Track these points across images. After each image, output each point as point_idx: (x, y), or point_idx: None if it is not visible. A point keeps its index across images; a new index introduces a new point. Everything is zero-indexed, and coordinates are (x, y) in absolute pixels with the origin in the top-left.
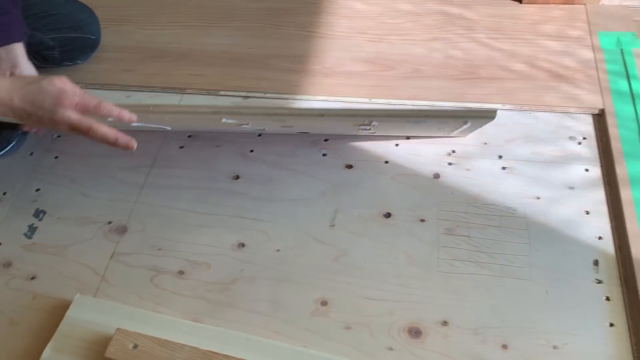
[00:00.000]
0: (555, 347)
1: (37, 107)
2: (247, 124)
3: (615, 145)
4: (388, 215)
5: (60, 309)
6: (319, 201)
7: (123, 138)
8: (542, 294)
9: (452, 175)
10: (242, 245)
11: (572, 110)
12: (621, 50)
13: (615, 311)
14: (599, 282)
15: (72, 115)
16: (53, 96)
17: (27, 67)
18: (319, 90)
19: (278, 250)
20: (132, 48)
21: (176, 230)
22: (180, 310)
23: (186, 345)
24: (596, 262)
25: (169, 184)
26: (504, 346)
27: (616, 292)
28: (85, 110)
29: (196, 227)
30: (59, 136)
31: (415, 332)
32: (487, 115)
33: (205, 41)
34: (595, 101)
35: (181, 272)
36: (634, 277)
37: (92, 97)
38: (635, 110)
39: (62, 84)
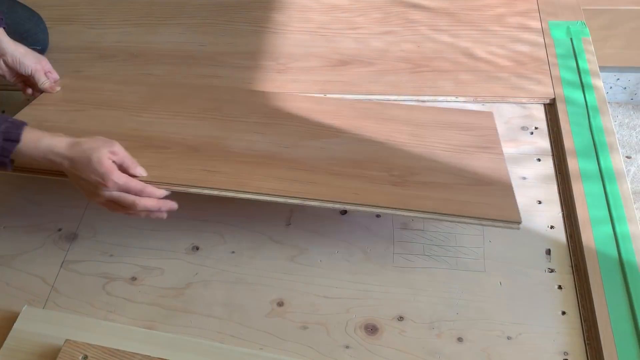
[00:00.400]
0: (509, 338)
1: (83, 179)
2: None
3: (566, 134)
4: (344, 212)
5: (7, 322)
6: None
7: (166, 205)
8: (496, 285)
9: None
10: (196, 248)
11: (524, 100)
12: (571, 39)
13: (567, 299)
14: (551, 271)
15: (113, 194)
16: (98, 174)
17: (14, 50)
18: (273, 87)
19: (233, 252)
20: (80, 48)
21: (128, 235)
22: (133, 317)
23: (137, 354)
24: (548, 252)
25: None
26: (459, 339)
27: (568, 280)
28: (127, 192)
29: (149, 231)
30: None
31: (371, 329)
32: (509, 227)
33: (156, 39)
34: (546, 91)
35: (134, 279)
36: (584, 265)
37: (136, 182)
38: (585, 99)
39: (108, 166)
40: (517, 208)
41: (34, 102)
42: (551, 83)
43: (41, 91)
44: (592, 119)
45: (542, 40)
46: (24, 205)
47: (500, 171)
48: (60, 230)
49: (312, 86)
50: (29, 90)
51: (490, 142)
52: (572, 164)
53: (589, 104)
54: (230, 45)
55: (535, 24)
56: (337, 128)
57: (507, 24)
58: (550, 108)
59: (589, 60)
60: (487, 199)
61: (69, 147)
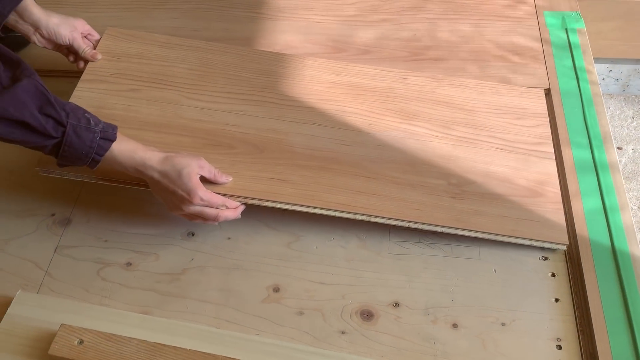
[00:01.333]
0: (503, 324)
1: (169, 192)
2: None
3: (560, 124)
4: None
5: (1, 307)
6: None
7: (240, 210)
8: (490, 272)
9: None
10: (192, 234)
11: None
12: (566, 29)
13: (561, 287)
14: (545, 258)
15: (197, 208)
16: (185, 190)
17: (47, 21)
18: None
19: (229, 238)
20: None
21: (122, 221)
22: (128, 302)
23: (134, 339)
24: None
25: None
26: (454, 325)
27: (561, 268)
28: (209, 206)
29: (143, 217)
30: None
31: (367, 315)
32: (555, 247)
33: (149, 24)
34: (541, 81)
35: (129, 264)
36: (577, 253)
37: (218, 197)
38: (579, 89)
39: (195, 183)
40: (565, 228)
41: (82, 78)
42: (546, 74)
43: (85, 59)
44: (586, 110)
45: (537, 30)
46: (16, 190)
47: (550, 177)
48: (53, 215)
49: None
50: (71, 58)
51: (542, 137)
52: (566, 154)
53: (582, 93)
54: (226, 31)
55: (531, 14)
56: (392, 117)
57: (502, 14)
58: (546, 97)
59: (584, 51)
60: (539, 215)
61: (161, 161)
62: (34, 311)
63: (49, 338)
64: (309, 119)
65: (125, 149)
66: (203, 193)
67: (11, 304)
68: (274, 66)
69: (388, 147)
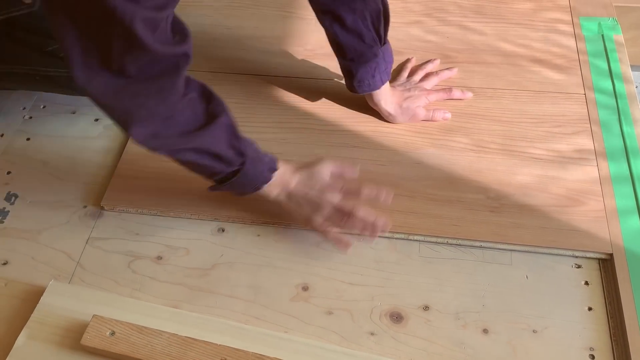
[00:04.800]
0: (535, 331)
1: (308, 189)
2: None
3: (596, 133)
4: None
5: (33, 295)
6: None
7: (380, 220)
8: (522, 278)
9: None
10: (222, 230)
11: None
12: (602, 35)
13: (594, 295)
14: (578, 266)
15: (335, 198)
16: (322, 182)
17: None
18: (301, 73)
19: (259, 235)
20: None
21: (154, 215)
22: (158, 296)
23: (165, 332)
24: None
25: None
26: (485, 330)
27: (595, 277)
28: (348, 193)
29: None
30: (30, 117)
31: (396, 317)
32: (599, 257)
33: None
34: (578, 88)
35: (159, 257)
36: (612, 261)
37: (355, 183)
38: (616, 97)
39: (329, 170)
40: (608, 238)
41: None
42: (581, 79)
43: None
44: (622, 117)
45: (572, 36)
46: (49, 181)
47: (591, 185)
48: (85, 207)
49: (338, 71)
50: None
51: (582, 144)
52: (601, 161)
53: (618, 100)
54: (257, 30)
55: (566, 19)
56: (428, 134)
57: (537, 19)
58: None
59: (621, 59)
60: (579, 225)
61: (295, 167)
62: (66, 301)
63: (81, 329)
64: (346, 141)
65: (278, 174)
66: (339, 174)
67: (44, 294)
68: (313, 92)
69: (424, 165)
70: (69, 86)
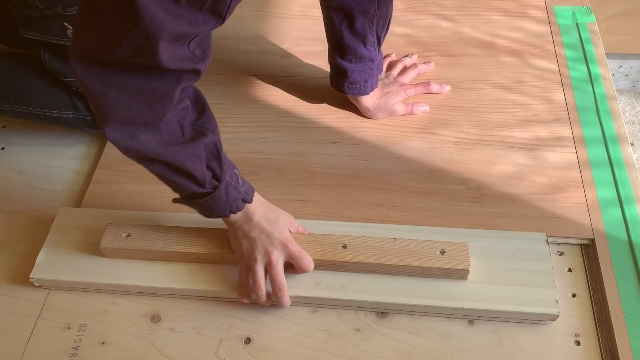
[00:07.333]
0: (520, 320)
1: (264, 233)
2: None
3: (574, 120)
4: None
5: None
6: None
7: (286, 297)
8: None
9: None
10: None
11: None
12: (576, 24)
13: (577, 282)
14: (561, 254)
15: (282, 254)
16: (284, 233)
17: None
18: (278, 71)
19: None
20: None
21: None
22: None
23: (178, 226)
24: None
25: None
26: (470, 321)
27: (578, 263)
28: (300, 257)
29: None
30: (4, 126)
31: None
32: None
33: None
34: (553, 76)
35: None
36: (594, 247)
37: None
38: (592, 83)
39: (290, 226)
40: (589, 223)
41: None
42: (557, 69)
43: None
44: (599, 103)
45: (547, 25)
46: (26, 190)
47: (571, 172)
48: None
49: (316, 70)
50: None
51: (561, 132)
52: (580, 149)
53: (595, 89)
54: (234, 30)
55: (541, 8)
56: (407, 128)
57: (512, 9)
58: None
59: (595, 46)
60: (561, 211)
61: (265, 205)
62: (78, 220)
63: (97, 239)
64: (326, 138)
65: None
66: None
67: (56, 217)
68: (292, 90)
69: (405, 158)
70: (75, 126)
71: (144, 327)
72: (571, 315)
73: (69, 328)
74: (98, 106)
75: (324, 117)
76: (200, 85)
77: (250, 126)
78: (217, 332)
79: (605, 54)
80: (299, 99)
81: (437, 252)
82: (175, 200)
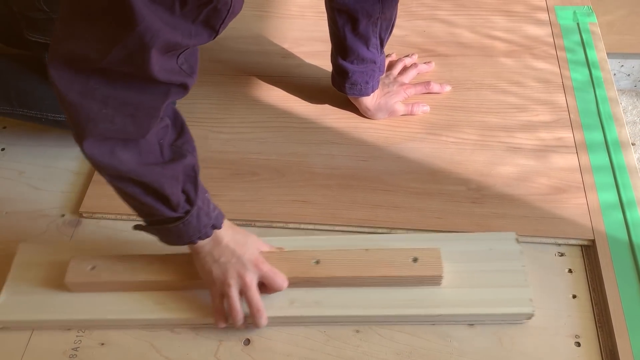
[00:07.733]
0: (521, 322)
1: (235, 256)
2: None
3: (575, 121)
4: None
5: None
6: None
7: (263, 317)
8: None
9: None
10: None
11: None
12: (577, 24)
13: (578, 283)
14: (562, 254)
15: (254, 276)
16: (254, 255)
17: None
18: (278, 71)
19: None
20: None
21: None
22: None
23: (144, 255)
24: None
25: None
26: (470, 323)
27: (578, 264)
28: (272, 279)
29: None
30: (4, 127)
31: None
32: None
33: None
34: (555, 76)
35: None
36: (595, 248)
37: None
38: (593, 84)
39: (261, 248)
40: (589, 224)
41: None
42: (558, 67)
43: None
44: (600, 104)
45: (548, 25)
46: (26, 191)
47: (572, 173)
48: (63, 215)
49: (317, 71)
50: None
51: (562, 133)
52: (582, 150)
53: (595, 88)
54: (234, 30)
55: (542, 8)
56: (408, 128)
57: (513, 9)
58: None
59: (597, 46)
60: (561, 212)
61: (233, 229)
62: (40, 257)
63: (60, 273)
64: (326, 138)
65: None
66: (268, 266)
67: (16, 254)
68: (292, 90)
69: (405, 159)
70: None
71: (144, 328)
72: (571, 316)
73: (68, 329)
74: (77, 120)
75: (324, 118)
76: (200, 85)
77: (250, 126)
78: (217, 333)
79: (607, 53)
80: (299, 99)
81: (410, 260)
82: (136, 227)
